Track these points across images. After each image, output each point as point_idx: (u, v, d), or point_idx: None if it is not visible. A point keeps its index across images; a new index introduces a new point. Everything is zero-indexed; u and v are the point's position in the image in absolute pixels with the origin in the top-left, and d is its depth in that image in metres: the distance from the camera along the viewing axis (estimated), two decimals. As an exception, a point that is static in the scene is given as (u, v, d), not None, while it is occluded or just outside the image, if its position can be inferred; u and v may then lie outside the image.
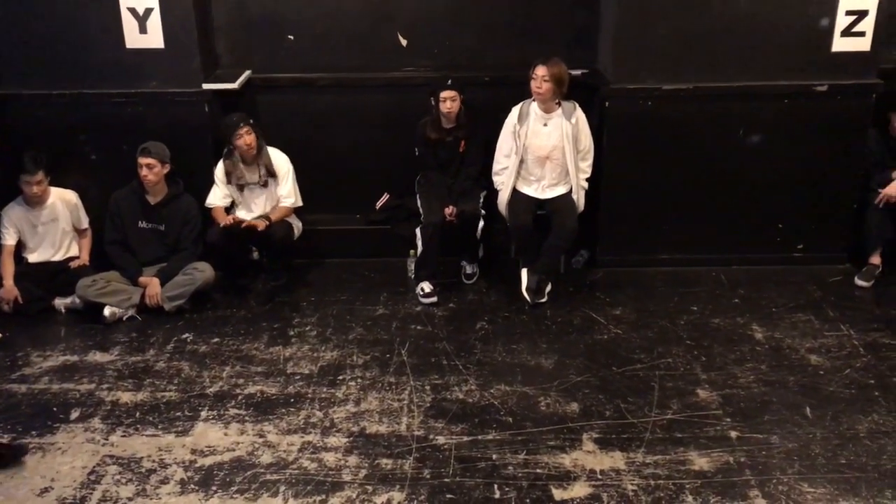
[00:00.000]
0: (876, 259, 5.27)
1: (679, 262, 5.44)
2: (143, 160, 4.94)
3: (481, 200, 5.26)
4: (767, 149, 5.21)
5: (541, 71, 4.80)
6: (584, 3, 5.34)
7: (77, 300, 5.01)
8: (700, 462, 3.68)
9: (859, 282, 5.21)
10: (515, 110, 5.03)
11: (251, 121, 5.07)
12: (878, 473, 3.60)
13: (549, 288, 5.09)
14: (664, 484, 3.55)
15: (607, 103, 5.13)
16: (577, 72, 5.19)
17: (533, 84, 4.85)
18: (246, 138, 5.01)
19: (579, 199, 5.07)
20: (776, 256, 5.44)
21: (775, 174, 5.26)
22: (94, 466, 3.71)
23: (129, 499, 3.52)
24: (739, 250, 5.43)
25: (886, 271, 5.25)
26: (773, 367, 4.38)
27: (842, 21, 4.94)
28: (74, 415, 4.09)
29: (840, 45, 4.99)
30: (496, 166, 5.16)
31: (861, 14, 4.91)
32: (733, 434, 3.86)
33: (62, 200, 5.21)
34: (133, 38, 5.10)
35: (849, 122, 5.15)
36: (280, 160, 5.20)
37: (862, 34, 4.96)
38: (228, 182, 5.16)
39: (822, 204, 5.33)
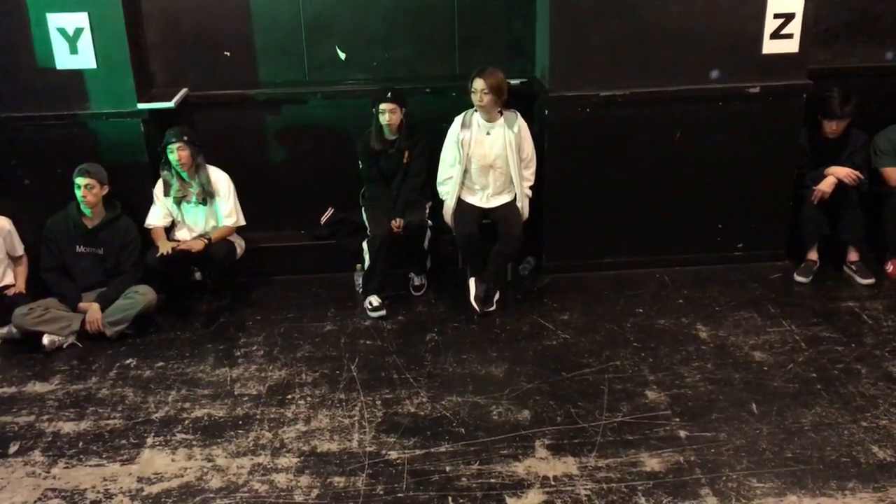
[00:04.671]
0: (813, 255, 5.40)
1: (623, 265, 5.51)
2: (82, 181, 4.82)
3: (427, 211, 5.26)
4: (704, 151, 5.31)
5: (479, 84, 4.83)
6: (520, 13, 5.39)
7: (14, 330, 4.86)
8: (651, 463, 3.71)
9: (798, 278, 5.33)
10: (458, 120, 5.05)
11: (185, 137, 4.96)
12: (822, 465, 3.68)
13: (497, 296, 5.10)
14: (617, 487, 3.57)
15: (546, 111, 5.17)
16: (516, 81, 5.23)
17: (474, 98, 4.88)
18: (178, 153, 4.93)
19: (524, 206, 5.10)
20: (717, 256, 5.54)
21: (713, 175, 5.36)
22: (35, 501, 3.59)
23: (74, 532, 3.43)
24: (681, 251, 5.52)
25: (823, 266, 5.39)
26: (719, 366, 4.45)
27: (771, 24, 5.07)
28: (13, 448, 3.96)
29: (770, 47, 5.11)
30: (440, 176, 5.17)
31: (788, 17, 5.05)
32: (682, 433, 3.91)
33: (-5, 227, 5.06)
34: (64, 59, 4.99)
35: (781, 122, 5.28)
36: (220, 178, 5.13)
37: (790, 36, 5.10)
38: (166, 194, 5.06)
39: (760, 203, 5.44)
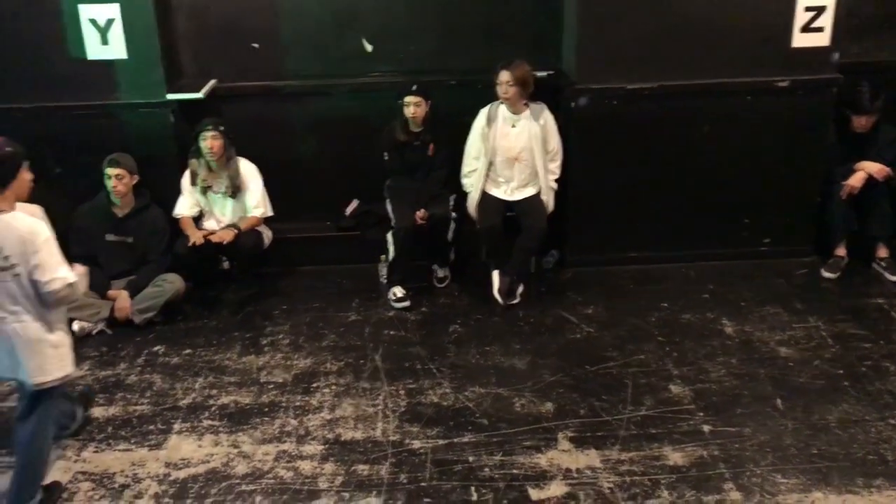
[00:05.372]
0: (841, 251, 5.35)
1: (648, 259, 5.48)
2: (111, 171, 4.89)
3: (451, 204, 5.27)
4: (732, 145, 5.27)
5: (504, 76, 4.82)
6: (548, 5, 5.36)
7: (44, 316, 4.93)
8: (674, 457, 3.71)
9: (826, 274, 5.28)
10: (484, 112, 5.05)
11: (222, 128, 5.01)
12: (849, 462, 3.65)
13: (520, 289, 5.11)
14: (640, 480, 3.57)
15: (573, 104, 5.16)
16: (543, 73, 5.21)
17: (499, 90, 4.88)
18: (211, 142, 4.96)
19: (549, 200, 5.09)
20: (743, 251, 5.49)
21: (740, 170, 5.32)
22: (66, 484, 3.66)
23: (103, 515, 3.49)
24: (707, 246, 5.48)
25: (851, 262, 5.34)
26: (744, 361, 4.43)
27: (801, 17, 5.02)
28: (44, 432, 4.03)
29: (800, 40, 5.06)
30: (465, 169, 5.17)
31: (819, 10, 4.99)
32: (706, 428, 3.90)
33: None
34: (95, 49, 5.04)
35: (810, 117, 5.23)
36: (248, 170, 5.17)
37: (821, 30, 5.04)
38: (193, 183, 5.11)
39: (787, 198, 5.40)
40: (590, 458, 3.71)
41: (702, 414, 4.00)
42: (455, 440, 3.86)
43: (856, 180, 5.16)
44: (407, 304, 5.07)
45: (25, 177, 3.34)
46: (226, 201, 5.17)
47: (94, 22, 4.98)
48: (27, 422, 3.36)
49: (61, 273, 3.23)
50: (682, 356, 4.48)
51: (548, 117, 5.00)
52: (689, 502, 3.45)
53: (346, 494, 3.54)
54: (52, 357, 3.31)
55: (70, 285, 3.25)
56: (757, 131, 5.25)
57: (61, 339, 3.36)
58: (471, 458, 3.73)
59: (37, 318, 3.26)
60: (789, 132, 5.25)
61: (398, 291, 5.11)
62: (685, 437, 3.84)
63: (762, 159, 5.30)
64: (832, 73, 5.14)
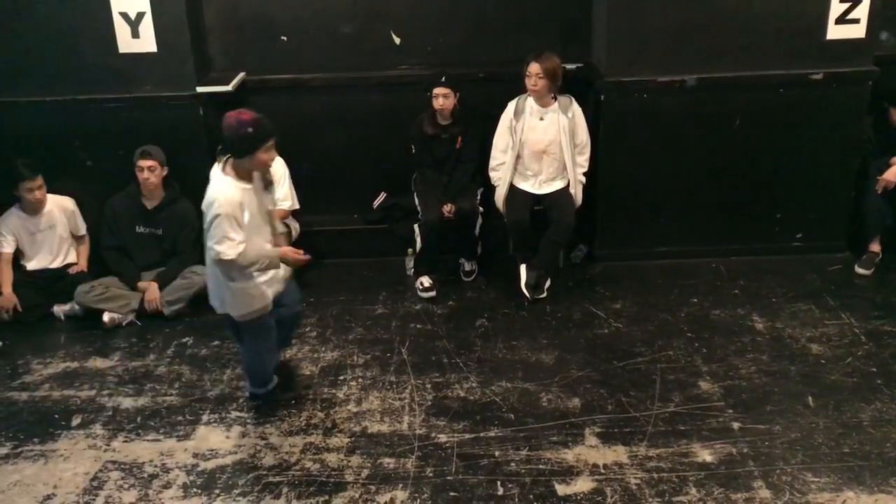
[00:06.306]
0: (875, 246, 5.26)
1: (678, 254, 5.43)
2: (143, 162, 4.93)
3: (478, 197, 5.25)
4: (764, 138, 5.20)
5: (534, 68, 4.79)
6: (577, -4, 5.34)
7: (76, 306, 5.00)
8: (703, 454, 3.67)
9: (859, 270, 5.20)
10: (511, 105, 5.02)
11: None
12: (881, 461, 3.59)
13: (548, 283, 5.08)
14: (668, 477, 3.54)
15: (602, 97, 5.11)
16: (572, 66, 5.17)
17: (528, 82, 4.85)
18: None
19: (577, 193, 5.06)
20: (775, 246, 5.42)
21: (772, 164, 5.25)
22: (96, 472, 3.71)
23: (132, 504, 3.53)
24: (738, 241, 5.42)
25: (886, 258, 5.25)
26: (775, 358, 4.37)
27: (836, 8, 4.93)
28: (76, 421, 4.08)
29: (834, 32, 4.97)
30: (493, 162, 5.15)
31: (855, 1, 4.90)
32: (735, 425, 3.85)
33: (59, 207, 5.20)
34: (125, 43, 5.08)
35: (845, 110, 5.14)
36: (276, 163, 5.16)
37: (856, 21, 4.95)
38: None
39: (820, 193, 5.31)
40: (617, 454, 3.69)
41: (731, 411, 3.95)
42: (481, 434, 3.85)
43: (891, 175, 5.07)
44: (433, 294, 5.07)
45: (262, 156, 3.76)
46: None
47: (124, 15, 5.02)
48: (242, 343, 4.08)
49: (218, 246, 3.64)
50: (712, 352, 4.43)
51: (576, 110, 4.96)
52: (717, 500, 3.41)
53: (372, 487, 3.54)
54: (230, 299, 3.84)
55: (224, 261, 3.65)
56: (790, 125, 5.17)
57: (240, 286, 3.80)
58: (497, 453, 3.72)
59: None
60: (823, 125, 5.17)
61: (425, 281, 5.11)
62: (714, 433, 3.80)
63: (795, 153, 5.22)
64: (868, 65, 5.04)
